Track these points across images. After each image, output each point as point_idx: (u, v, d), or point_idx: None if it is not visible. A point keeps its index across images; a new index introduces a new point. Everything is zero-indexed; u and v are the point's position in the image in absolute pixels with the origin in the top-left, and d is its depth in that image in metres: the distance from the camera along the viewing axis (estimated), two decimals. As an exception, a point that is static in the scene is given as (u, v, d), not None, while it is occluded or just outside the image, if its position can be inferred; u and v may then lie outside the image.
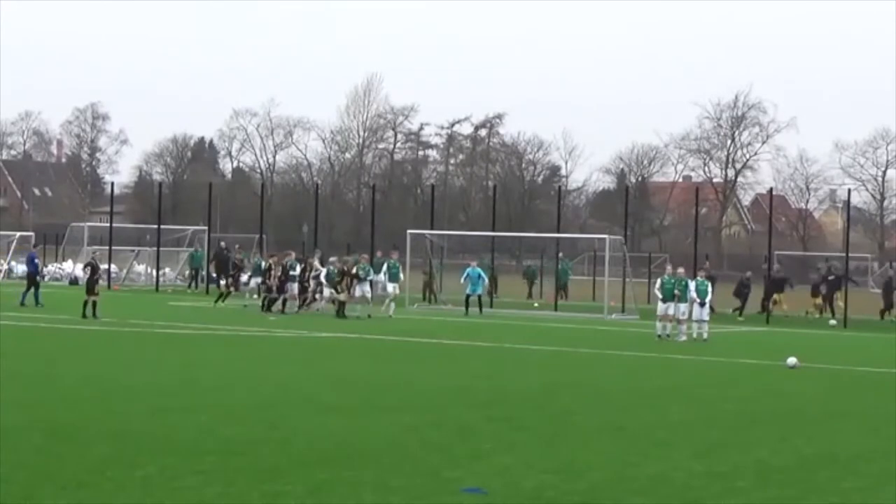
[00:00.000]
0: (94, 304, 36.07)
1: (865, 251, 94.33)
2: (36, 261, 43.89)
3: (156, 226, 58.30)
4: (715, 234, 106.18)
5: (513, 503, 12.02)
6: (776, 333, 38.57)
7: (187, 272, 59.30)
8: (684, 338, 33.67)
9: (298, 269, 41.75)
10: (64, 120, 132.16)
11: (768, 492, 12.83)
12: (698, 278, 35.50)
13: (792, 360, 26.29)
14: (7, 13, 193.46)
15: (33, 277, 42.48)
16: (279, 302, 41.22)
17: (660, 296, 34.56)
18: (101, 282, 38.91)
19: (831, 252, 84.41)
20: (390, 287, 42.66)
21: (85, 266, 39.41)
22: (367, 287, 40.69)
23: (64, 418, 16.22)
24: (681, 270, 35.66)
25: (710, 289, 35.02)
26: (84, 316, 35.56)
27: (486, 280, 45.53)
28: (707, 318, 34.48)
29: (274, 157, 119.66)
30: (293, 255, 43.05)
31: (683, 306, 34.13)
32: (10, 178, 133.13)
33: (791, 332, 38.94)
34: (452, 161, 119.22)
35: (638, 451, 15.00)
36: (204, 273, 57.00)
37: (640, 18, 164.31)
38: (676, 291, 34.11)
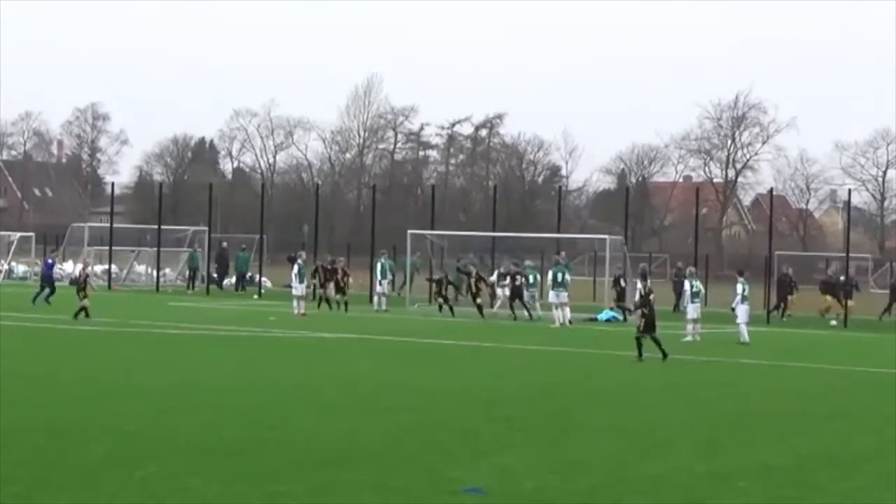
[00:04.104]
0: (83, 306, 36.12)
1: (866, 251, 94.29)
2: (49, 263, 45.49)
3: (156, 226, 58.19)
4: (715, 234, 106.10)
5: (513, 503, 12.02)
6: (776, 333, 38.52)
7: (186, 273, 59.26)
8: (689, 338, 33.61)
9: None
10: (64, 120, 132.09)
11: (768, 492, 12.83)
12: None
13: None
14: (7, 13, 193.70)
15: (49, 281, 43.58)
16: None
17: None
18: (90, 281, 38.66)
19: (832, 252, 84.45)
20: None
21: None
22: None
23: (64, 418, 16.22)
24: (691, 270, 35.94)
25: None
26: (87, 317, 35.58)
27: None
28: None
29: (274, 157, 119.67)
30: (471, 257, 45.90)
31: (691, 307, 34.11)
32: (10, 179, 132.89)
33: (791, 332, 38.89)
34: (453, 161, 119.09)
35: (638, 451, 15.00)
36: (203, 273, 56.98)
37: (640, 19, 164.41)
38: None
